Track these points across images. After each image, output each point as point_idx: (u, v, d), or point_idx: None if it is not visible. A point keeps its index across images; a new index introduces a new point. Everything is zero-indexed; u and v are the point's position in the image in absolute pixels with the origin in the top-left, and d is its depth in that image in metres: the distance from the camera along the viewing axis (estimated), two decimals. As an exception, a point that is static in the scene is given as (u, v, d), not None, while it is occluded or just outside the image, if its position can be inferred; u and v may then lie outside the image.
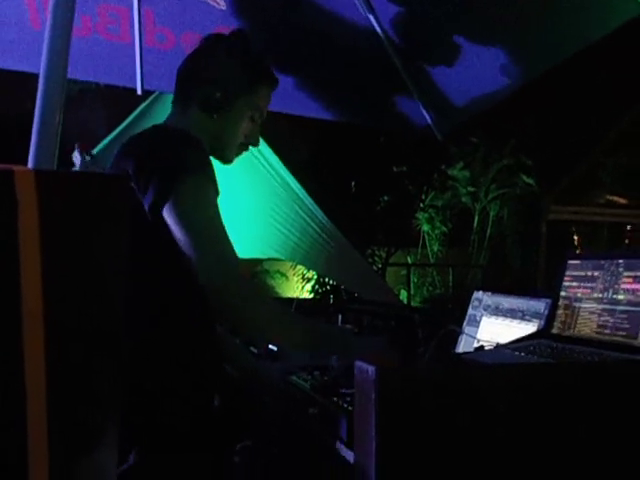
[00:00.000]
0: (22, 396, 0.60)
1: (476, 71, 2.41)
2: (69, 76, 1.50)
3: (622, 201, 9.58)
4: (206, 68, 1.28)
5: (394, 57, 2.53)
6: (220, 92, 1.26)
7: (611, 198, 9.60)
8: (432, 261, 9.24)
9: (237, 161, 1.39)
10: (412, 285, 8.71)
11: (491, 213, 9.18)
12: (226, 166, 1.40)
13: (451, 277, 9.15)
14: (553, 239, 9.01)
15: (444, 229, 9.16)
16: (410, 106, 2.70)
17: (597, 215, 9.61)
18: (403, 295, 8.13)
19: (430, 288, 8.98)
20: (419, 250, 9.36)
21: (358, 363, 0.83)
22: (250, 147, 1.38)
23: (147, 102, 3.42)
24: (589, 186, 9.44)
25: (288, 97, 2.67)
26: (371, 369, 0.79)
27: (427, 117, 2.73)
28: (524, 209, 9.24)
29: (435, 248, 9.21)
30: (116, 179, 0.70)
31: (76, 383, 0.64)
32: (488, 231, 9.19)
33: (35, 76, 1.45)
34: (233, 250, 1.09)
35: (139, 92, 2.48)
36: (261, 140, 3.69)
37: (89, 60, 2.35)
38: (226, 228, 1.12)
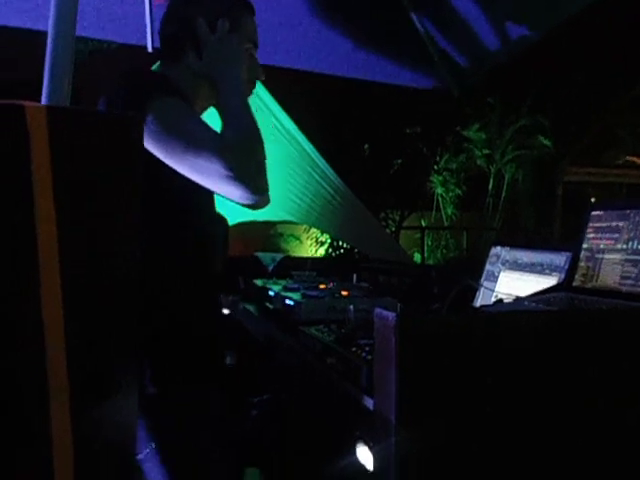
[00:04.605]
0: (41, 337, 0.60)
1: (492, 23, 2.35)
2: (77, 34, 1.47)
3: (641, 162, 9.41)
4: (190, 18, 1.24)
5: (411, 11, 2.47)
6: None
7: (630, 159, 9.43)
8: (446, 224, 9.19)
9: None
10: (426, 248, 8.69)
11: (506, 175, 9.06)
12: None
13: (465, 240, 9.11)
14: (569, 201, 8.91)
15: (458, 192, 9.08)
16: (426, 61, 2.64)
17: (614, 176, 9.46)
18: (417, 258, 8.12)
19: (444, 251, 8.96)
20: (433, 213, 9.30)
21: (378, 311, 0.82)
22: (257, 83, 1.36)
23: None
24: (607, 147, 9.27)
25: (302, 53, 2.62)
26: (391, 315, 0.78)
27: (444, 73, 2.67)
28: (540, 171, 9.12)
29: (449, 211, 9.15)
30: (128, 118, 0.68)
31: (94, 324, 0.64)
32: (503, 194, 9.09)
33: (39, 36, 1.42)
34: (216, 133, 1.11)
35: (150, 49, 2.43)
36: (274, 102, 3.62)
37: (98, 17, 2.31)
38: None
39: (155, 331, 1.12)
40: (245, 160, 1.07)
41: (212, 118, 1.29)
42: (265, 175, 1.12)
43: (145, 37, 2.39)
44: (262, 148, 1.12)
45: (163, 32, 1.29)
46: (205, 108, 1.31)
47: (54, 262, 0.59)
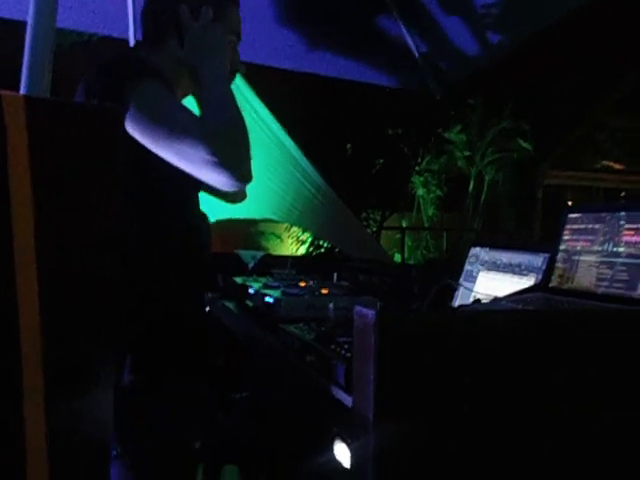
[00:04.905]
0: (16, 334, 0.59)
1: (475, 27, 2.37)
2: (58, 25, 1.45)
3: (618, 166, 9.58)
4: (173, 4, 1.23)
5: (394, 12, 2.48)
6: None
7: (607, 163, 9.59)
8: (427, 225, 9.26)
9: None
10: (406, 248, 8.74)
11: (487, 177, 9.16)
12: None
13: (445, 241, 9.19)
14: (548, 204, 9.03)
15: (439, 193, 9.15)
16: (409, 64, 2.65)
17: (593, 180, 9.62)
18: (397, 258, 8.16)
19: (424, 252, 9.03)
20: (414, 214, 9.36)
21: (357, 308, 0.83)
22: (238, 75, 1.35)
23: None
24: (586, 151, 9.42)
25: (286, 52, 2.62)
26: (371, 313, 0.79)
27: (427, 75, 2.69)
28: (520, 174, 9.23)
29: (430, 212, 9.22)
30: (107, 109, 0.67)
31: (72, 316, 0.63)
32: (483, 196, 9.19)
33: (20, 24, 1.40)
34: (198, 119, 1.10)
35: (132, 42, 2.41)
36: (257, 100, 3.60)
37: (79, 8, 2.28)
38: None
39: (149, 323, 1.12)
40: (229, 146, 1.07)
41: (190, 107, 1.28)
42: (249, 162, 1.11)
43: (127, 29, 2.37)
44: (246, 135, 1.12)
45: (145, 18, 1.28)
46: (184, 96, 1.31)
47: (30, 254, 0.58)
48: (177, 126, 1.07)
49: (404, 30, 2.53)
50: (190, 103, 1.29)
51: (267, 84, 3.36)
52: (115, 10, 2.32)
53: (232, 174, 1.06)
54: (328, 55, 2.65)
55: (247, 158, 1.11)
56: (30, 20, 1.36)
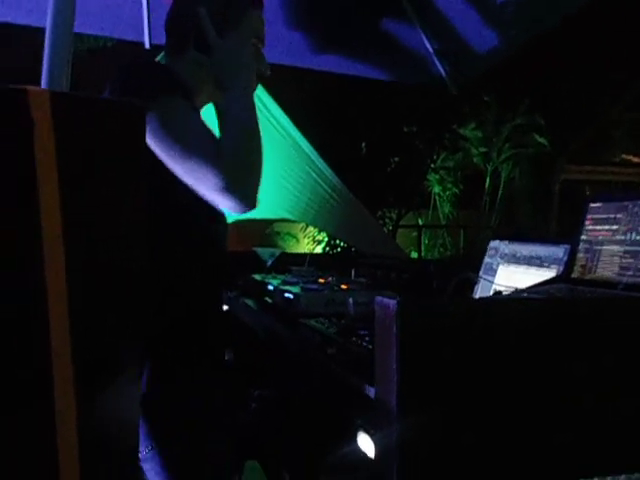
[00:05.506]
0: (45, 326, 0.60)
1: (490, 22, 2.36)
2: (75, 30, 1.47)
3: (637, 160, 9.44)
4: (193, 12, 1.23)
5: (409, 9, 2.47)
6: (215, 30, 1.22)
7: (626, 157, 9.46)
8: (443, 223, 9.21)
9: None
10: (423, 247, 8.70)
11: (503, 174, 9.09)
12: None
13: (462, 239, 9.14)
14: (565, 199, 8.93)
15: (455, 190, 9.10)
16: (425, 59, 2.65)
17: (611, 174, 9.49)
18: (414, 256, 8.13)
19: (441, 250, 8.98)
20: (430, 212, 9.32)
21: (378, 299, 0.83)
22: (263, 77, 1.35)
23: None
24: (603, 145, 9.30)
25: (300, 51, 2.62)
26: (392, 303, 0.79)
27: (442, 70, 2.68)
28: (536, 169, 9.15)
29: (446, 210, 9.17)
30: (132, 105, 0.68)
31: (100, 310, 0.64)
32: (500, 192, 9.12)
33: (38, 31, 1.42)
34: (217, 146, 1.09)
35: (147, 46, 2.43)
36: (271, 100, 3.61)
37: (94, 13, 2.31)
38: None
39: (171, 319, 1.13)
40: (241, 174, 1.06)
41: (210, 112, 1.29)
42: (258, 188, 1.11)
43: (142, 33, 2.40)
44: (260, 163, 1.11)
45: (168, 25, 1.29)
46: (205, 104, 1.31)
47: (58, 247, 0.58)
48: (192, 145, 1.07)
49: (419, 26, 2.52)
50: (208, 110, 1.30)
51: (280, 83, 3.37)
52: (131, 15, 2.35)
53: (239, 201, 1.06)
54: (342, 53, 2.65)
55: (257, 185, 1.10)
56: (49, 26, 1.38)
